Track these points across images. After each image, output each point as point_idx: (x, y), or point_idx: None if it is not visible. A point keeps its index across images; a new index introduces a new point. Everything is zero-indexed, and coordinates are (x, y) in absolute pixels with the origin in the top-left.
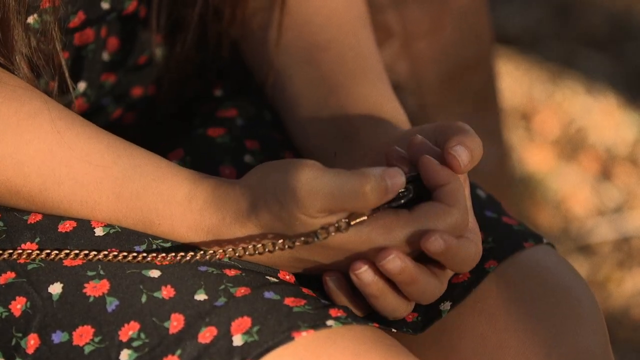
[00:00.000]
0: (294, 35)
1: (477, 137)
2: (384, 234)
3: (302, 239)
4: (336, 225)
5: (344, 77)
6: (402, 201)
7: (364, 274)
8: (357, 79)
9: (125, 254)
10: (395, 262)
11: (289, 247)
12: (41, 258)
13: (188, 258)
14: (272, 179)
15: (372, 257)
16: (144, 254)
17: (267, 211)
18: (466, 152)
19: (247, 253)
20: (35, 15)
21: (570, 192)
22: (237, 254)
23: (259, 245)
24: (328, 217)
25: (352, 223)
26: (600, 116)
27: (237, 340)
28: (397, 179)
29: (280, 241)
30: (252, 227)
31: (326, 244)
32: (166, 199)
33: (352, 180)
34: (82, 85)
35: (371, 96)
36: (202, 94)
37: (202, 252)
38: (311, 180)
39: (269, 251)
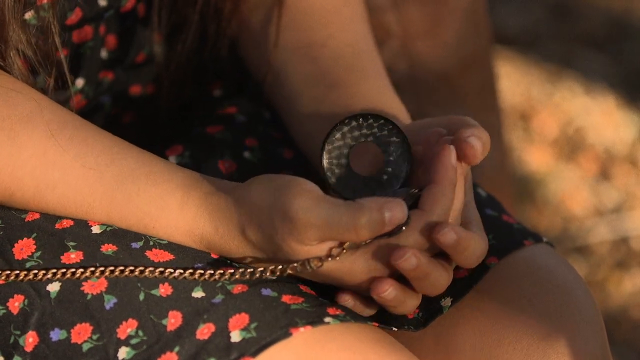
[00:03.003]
0: (292, 32)
1: (485, 130)
2: (367, 260)
3: (295, 265)
4: (330, 254)
5: (343, 73)
6: (404, 228)
7: (388, 295)
8: (356, 74)
9: (141, 268)
10: (412, 261)
11: (281, 273)
12: (48, 279)
13: (187, 275)
14: (268, 201)
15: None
16: (154, 269)
17: (260, 233)
18: (479, 142)
19: (235, 277)
20: (32, 12)
21: (569, 192)
22: (225, 277)
23: (249, 270)
24: (320, 244)
25: (345, 247)
26: (599, 116)
27: (235, 336)
28: (397, 212)
29: (271, 267)
30: (244, 242)
31: (314, 271)
32: (159, 204)
33: (347, 213)
34: (80, 82)
35: (370, 91)
36: (201, 94)
37: (210, 271)
38: (306, 210)
39: (261, 275)
